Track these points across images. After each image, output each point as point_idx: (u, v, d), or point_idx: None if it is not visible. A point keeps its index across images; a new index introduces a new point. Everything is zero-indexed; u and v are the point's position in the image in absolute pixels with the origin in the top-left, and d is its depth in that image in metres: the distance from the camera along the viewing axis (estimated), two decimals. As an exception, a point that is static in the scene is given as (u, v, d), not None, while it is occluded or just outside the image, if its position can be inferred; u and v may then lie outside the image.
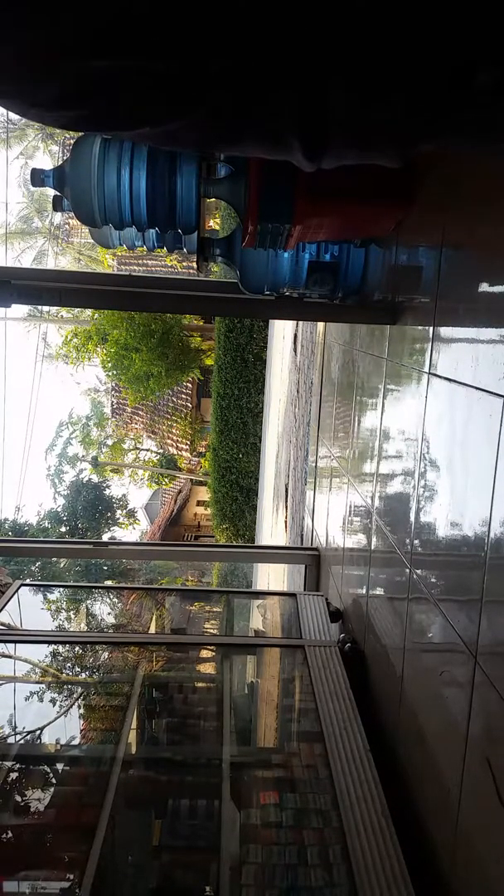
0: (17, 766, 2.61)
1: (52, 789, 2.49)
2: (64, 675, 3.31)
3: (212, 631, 4.06)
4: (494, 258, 1.63)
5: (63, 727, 2.92)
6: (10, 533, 19.23)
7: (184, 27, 0.73)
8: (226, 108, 0.81)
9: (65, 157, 2.47)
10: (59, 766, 2.69)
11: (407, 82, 0.79)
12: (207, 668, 3.46)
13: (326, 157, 0.86)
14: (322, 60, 0.76)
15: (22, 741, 2.82)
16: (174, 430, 20.25)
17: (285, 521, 7.38)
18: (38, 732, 2.86)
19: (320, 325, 4.90)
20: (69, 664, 3.38)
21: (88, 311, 16.22)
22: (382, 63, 0.77)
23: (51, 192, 2.34)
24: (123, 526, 23.74)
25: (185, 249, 2.62)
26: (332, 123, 0.81)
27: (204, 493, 20.88)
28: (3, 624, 3.31)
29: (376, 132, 0.84)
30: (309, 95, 0.78)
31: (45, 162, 23.10)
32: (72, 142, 2.44)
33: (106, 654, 3.30)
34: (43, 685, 3.20)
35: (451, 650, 1.77)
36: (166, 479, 23.26)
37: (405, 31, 0.75)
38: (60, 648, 3.35)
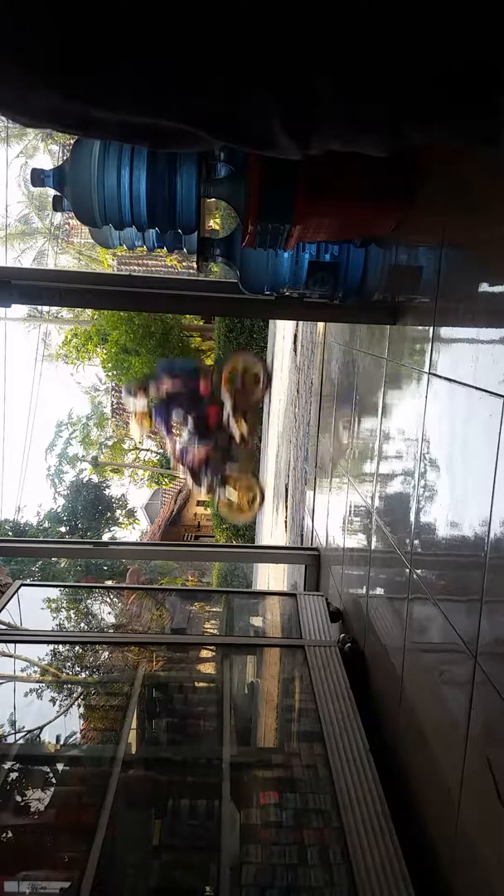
0: (17, 766, 2.61)
1: (52, 789, 2.49)
2: (64, 674, 3.31)
3: (212, 631, 4.06)
4: (494, 258, 1.63)
5: (63, 727, 2.92)
6: (10, 533, 19.21)
7: (189, 27, 0.76)
8: (223, 96, 0.84)
9: (65, 157, 2.47)
10: (59, 766, 2.69)
11: (396, 79, 0.81)
12: (207, 668, 3.46)
13: (313, 141, 0.88)
14: (314, 51, 0.77)
15: (22, 741, 2.82)
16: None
17: (285, 521, 7.37)
18: (38, 732, 2.86)
19: (320, 325, 4.90)
20: (69, 664, 3.38)
21: (88, 312, 16.22)
22: (373, 58, 0.78)
23: (51, 192, 2.33)
24: (123, 526, 23.76)
25: (185, 249, 2.62)
26: (318, 110, 0.83)
27: (204, 493, 20.83)
28: (3, 624, 3.31)
29: (363, 123, 0.86)
30: (296, 86, 0.80)
31: (45, 162, 23.05)
32: (72, 142, 2.44)
33: (106, 654, 3.30)
34: (43, 685, 3.20)
35: (451, 650, 1.77)
36: (166, 479, 23.25)
37: (398, 29, 0.76)
38: (60, 648, 3.35)
